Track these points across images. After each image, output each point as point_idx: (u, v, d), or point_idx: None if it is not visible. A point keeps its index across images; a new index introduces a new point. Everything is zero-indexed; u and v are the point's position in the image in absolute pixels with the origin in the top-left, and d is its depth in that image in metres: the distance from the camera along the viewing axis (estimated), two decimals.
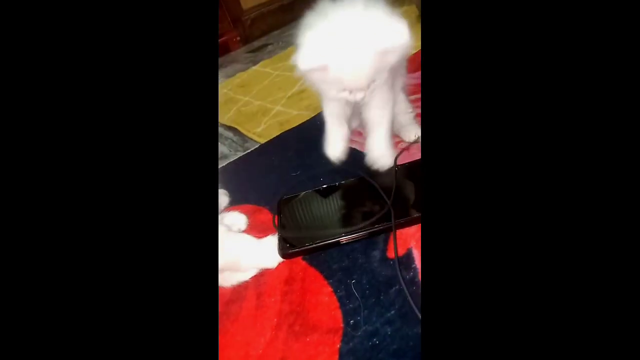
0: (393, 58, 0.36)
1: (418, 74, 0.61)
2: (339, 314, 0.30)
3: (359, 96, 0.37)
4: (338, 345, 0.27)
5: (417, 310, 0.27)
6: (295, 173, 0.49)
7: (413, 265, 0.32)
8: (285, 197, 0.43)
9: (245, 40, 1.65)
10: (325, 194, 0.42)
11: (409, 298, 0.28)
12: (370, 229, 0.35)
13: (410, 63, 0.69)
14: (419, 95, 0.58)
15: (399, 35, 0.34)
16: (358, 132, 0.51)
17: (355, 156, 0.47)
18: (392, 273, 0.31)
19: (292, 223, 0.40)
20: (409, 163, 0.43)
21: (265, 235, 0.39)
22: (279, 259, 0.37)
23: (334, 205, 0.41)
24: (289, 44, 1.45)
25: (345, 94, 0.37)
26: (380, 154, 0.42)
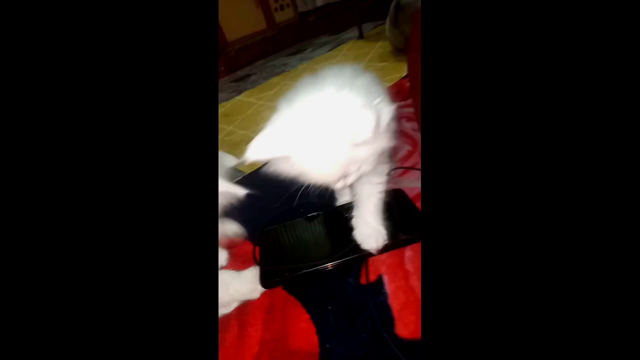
0: (367, 150, 0.32)
1: (408, 101, 0.67)
2: (315, 339, 0.32)
3: (338, 185, 0.34)
4: None
5: (384, 334, 0.30)
6: (277, 204, 0.52)
7: (383, 290, 0.35)
8: (265, 228, 0.46)
9: (229, 70, 1.71)
10: (304, 225, 0.46)
11: (378, 322, 0.32)
12: (345, 258, 0.39)
13: (396, 91, 0.75)
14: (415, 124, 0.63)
15: (371, 126, 0.29)
16: None
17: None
18: (365, 298, 0.35)
19: (272, 254, 0.42)
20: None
21: (247, 267, 0.41)
22: (261, 289, 0.39)
23: (312, 235, 0.44)
24: (272, 74, 1.53)
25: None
26: (368, 234, 0.39)
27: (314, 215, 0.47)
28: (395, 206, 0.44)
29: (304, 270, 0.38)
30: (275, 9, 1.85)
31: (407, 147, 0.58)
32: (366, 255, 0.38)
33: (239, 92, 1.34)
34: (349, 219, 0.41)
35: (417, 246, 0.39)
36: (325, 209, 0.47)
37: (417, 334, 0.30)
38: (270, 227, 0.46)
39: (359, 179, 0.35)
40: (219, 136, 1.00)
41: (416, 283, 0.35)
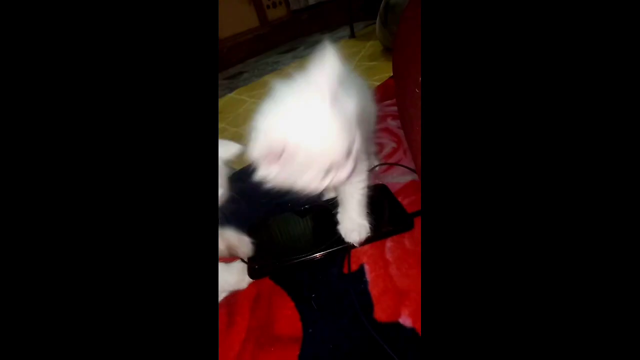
0: (361, 123, 0.33)
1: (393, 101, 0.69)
2: (299, 325, 0.34)
3: (343, 174, 0.33)
4: (297, 352, 0.32)
5: (362, 317, 0.32)
6: (265, 200, 0.54)
7: (364, 279, 0.37)
8: (254, 223, 0.48)
9: (221, 67, 1.72)
10: (291, 218, 0.48)
11: (357, 307, 0.34)
12: (329, 249, 0.41)
13: (382, 91, 0.77)
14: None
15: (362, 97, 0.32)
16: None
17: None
18: (346, 286, 0.37)
19: (260, 246, 0.44)
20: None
21: (236, 259, 0.43)
22: (249, 280, 0.41)
23: (299, 228, 0.46)
24: (264, 72, 1.54)
25: (326, 176, 0.33)
26: (351, 229, 0.40)
27: (301, 209, 0.49)
28: (378, 200, 0.46)
29: (289, 262, 0.40)
30: (268, 6, 1.86)
31: (392, 144, 0.60)
32: (349, 247, 0.40)
33: (231, 90, 1.35)
34: (334, 213, 0.43)
35: (397, 237, 0.41)
36: (312, 203, 0.49)
37: (394, 318, 0.32)
38: (259, 221, 0.48)
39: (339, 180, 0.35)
40: None
41: (395, 272, 0.37)
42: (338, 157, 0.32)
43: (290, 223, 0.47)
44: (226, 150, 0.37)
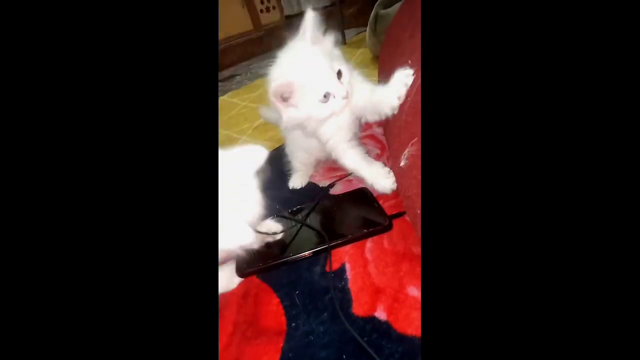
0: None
1: None
2: (283, 320, 0.37)
3: (340, 95, 0.43)
4: (281, 345, 0.34)
5: (339, 311, 0.35)
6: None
7: (345, 276, 0.40)
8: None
9: None
10: (277, 220, 0.50)
11: (336, 303, 0.36)
12: (312, 249, 0.43)
13: None
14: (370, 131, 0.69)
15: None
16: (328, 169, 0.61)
17: (312, 188, 0.56)
18: (328, 283, 0.39)
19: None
20: (345, 193, 0.52)
21: (226, 262, 0.45)
22: (239, 280, 0.43)
23: (287, 229, 0.48)
24: (256, 76, 1.55)
25: (327, 100, 0.43)
26: (380, 178, 0.46)
27: (293, 210, 0.51)
28: (359, 203, 0.49)
29: (275, 262, 0.43)
30: (261, 11, 1.88)
31: (376, 151, 0.63)
32: (329, 247, 0.43)
33: (223, 93, 1.36)
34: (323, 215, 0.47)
35: (377, 238, 0.44)
36: (303, 205, 0.51)
37: (370, 312, 0.35)
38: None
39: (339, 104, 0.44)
40: None
41: (373, 270, 0.40)
42: (329, 81, 0.43)
43: (278, 224, 0.49)
44: (256, 158, 0.36)
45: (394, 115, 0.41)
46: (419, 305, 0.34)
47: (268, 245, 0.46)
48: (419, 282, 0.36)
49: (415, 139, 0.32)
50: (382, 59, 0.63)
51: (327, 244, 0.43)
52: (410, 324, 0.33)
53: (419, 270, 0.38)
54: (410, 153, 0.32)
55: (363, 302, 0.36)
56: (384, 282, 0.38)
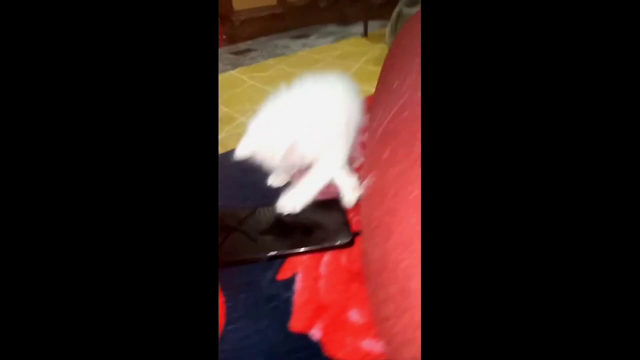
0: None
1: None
2: (223, 321, 0.37)
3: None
4: None
5: (280, 323, 0.35)
6: (230, 192, 0.56)
7: (293, 288, 0.39)
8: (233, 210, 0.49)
9: (230, 40, 1.68)
10: (248, 216, 0.49)
11: (278, 313, 0.36)
12: (268, 253, 0.43)
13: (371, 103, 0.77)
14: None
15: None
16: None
17: None
18: (275, 292, 0.39)
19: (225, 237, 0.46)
20: (317, 200, 0.51)
21: None
22: None
23: (250, 227, 0.48)
24: (271, 54, 1.51)
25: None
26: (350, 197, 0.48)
27: (258, 209, 0.50)
28: (326, 213, 0.48)
29: (232, 259, 0.43)
30: None
31: (361, 159, 0.61)
32: (287, 254, 0.42)
33: (234, 67, 1.33)
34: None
35: (336, 253, 0.43)
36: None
37: (307, 329, 0.35)
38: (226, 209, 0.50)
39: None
40: None
41: (323, 286, 0.39)
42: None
43: (246, 220, 0.49)
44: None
45: (369, 137, 0.39)
46: (355, 331, 0.34)
47: (231, 240, 0.46)
48: (363, 307, 0.36)
49: (373, 172, 0.31)
50: (381, 75, 0.60)
51: (281, 252, 0.42)
52: (341, 348, 0.33)
53: (365, 294, 0.37)
54: (367, 184, 0.31)
55: (303, 318, 0.36)
56: (330, 300, 0.37)
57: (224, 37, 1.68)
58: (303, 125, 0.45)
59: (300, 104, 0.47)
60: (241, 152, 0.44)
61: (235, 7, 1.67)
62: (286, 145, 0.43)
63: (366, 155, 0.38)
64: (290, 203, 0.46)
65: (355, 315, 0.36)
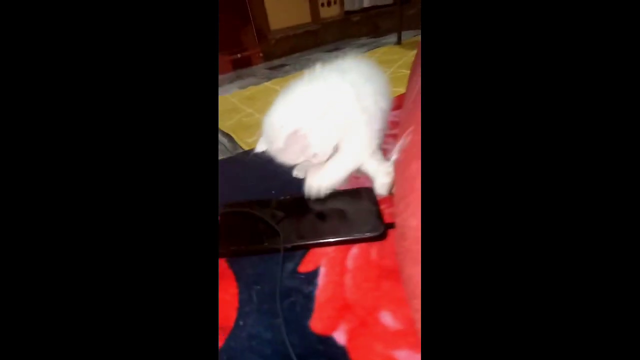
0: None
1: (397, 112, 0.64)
2: (234, 314, 0.32)
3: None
4: (221, 344, 0.29)
5: (298, 321, 0.29)
6: (250, 183, 0.52)
7: (315, 281, 0.33)
8: (231, 202, 0.46)
9: (267, 58, 1.74)
10: (265, 205, 0.45)
11: (297, 309, 0.30)
12: (288, 244, 0.37)
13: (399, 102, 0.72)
14: (395, 131, 0.61)
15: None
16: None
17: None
18: (295, 285, 0.33)
19: (231, 228, 0.42)
20: (346, 189, 0.45)
21: None
22: None
23: (271, 215, 0.43)
24: (305, 67, 1.53)
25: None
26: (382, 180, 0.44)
27: (279, 199, 0.46)
28: (357, 202, 0.42)
29: (248, 248, 0.38)
30: (322, 4, 1.85)
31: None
32: (309, 245, 0.37)
33: (269, 79, 1.35)
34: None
35: (365, 246, 0.37)
36: (295, 195, 0.46)
37: (329, 331, 0.28)
38: (235, 202, 0.46)
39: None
40: (238, 117, 1.02)
41: (349, 281, 0.33)
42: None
43: (264, 210, 0.44)
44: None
45: (405, 100, 0.33)
46: (387, 338, 0.27)
47: (249, 228, 0.41)
48: (396, 309, 0.29)
49: (412, 127, 0.24)
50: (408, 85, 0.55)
51: (303, 242, 0.37)
52: (370, 357, 0.26)
53: (401, 294, 0.30)
54: (402, 146, 0.25)
55: (325, 317, 0.30)
56: (356, 299, 0.31)
57: (261, 55, 1.74)
58: (311, 112, 0.42)
59: (310, 93, 0.44)
60: (259, 146, 0.45)
61: (271, 26, 1.74)
62: (288, 131, 0.40)
63: (402, 118, 0.32)
64: (315, 186, 0.42)
65: (386, 318, 0.28)
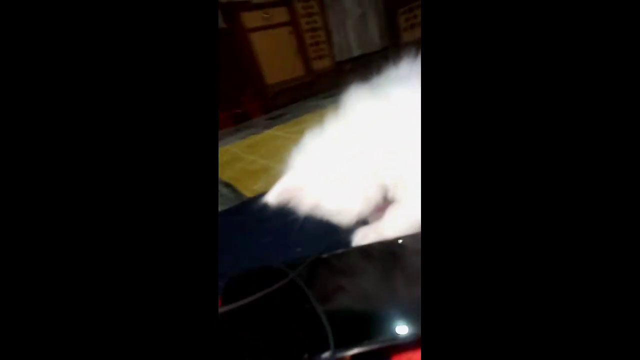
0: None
1: None
2: None
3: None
4: None
5: None
6: (267, 240, 0.38)
7: None
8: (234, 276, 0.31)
9: (266, 111, 1.72)
10: (278, 277, 0.28)
11: None
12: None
13: None
14: None
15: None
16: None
17: None
18: None
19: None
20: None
21: None
22: None
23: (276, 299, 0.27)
24: (303, 112, 1.49)
25: None
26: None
27: (295, 264, 0.30)
28: None
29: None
30: (314, 58, 1.89)
31: None
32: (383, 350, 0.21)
33: (270, 128, 1.29)
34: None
35: None
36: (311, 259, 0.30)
37: None
38: (239, 274, 0.31)
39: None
40: (240, 165, 0.92)
41: None
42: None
43: (273, 285, 0.28)
44: None
45: None
46: None
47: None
48: None
49: None
50: None
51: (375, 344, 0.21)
52: None
53: None
54: None
55: None
56: None
57: (260, 109, 1.73)
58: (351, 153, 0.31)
59: (347, 129, 0.33)
60: (271, 197, 0.33)
61: (267, 81, 1.75)
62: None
63: None
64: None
65: None
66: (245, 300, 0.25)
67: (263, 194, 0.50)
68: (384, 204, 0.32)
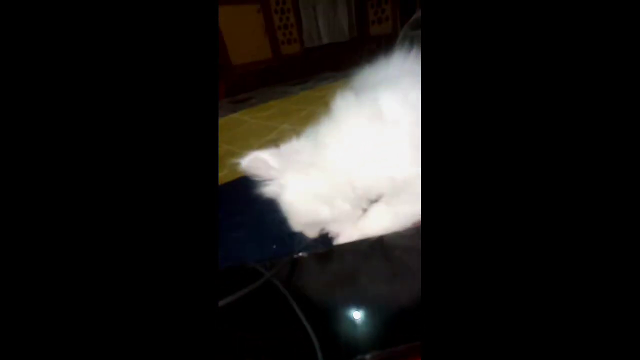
0: None
1: None
2: None
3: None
4: None
5: None
6: (237, 234, 0.35)
7: None
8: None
9: (230, 93, 1.61)
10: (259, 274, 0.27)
11: None
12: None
13: None
14: None
15: None
16: None
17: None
18: None
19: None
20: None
21: None
22: None
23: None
24: (270, 98, 1.42)
25: None
26: None
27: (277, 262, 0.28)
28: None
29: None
30: (282, 42, 1.81)
31: None
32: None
33: (234, 111, 1.21)
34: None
35: None
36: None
37: None
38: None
39: None
40: None
41: None
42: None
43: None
44: None
45: None
46: None
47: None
48: None
49: None
50: None
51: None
52: None
53: None
54: None
55: None
56: None
57: (222, 89, 1.61)
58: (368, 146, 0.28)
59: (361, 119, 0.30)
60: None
61: (233, 61, 1.63)
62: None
63: None
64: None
65: None
66: (222, 302, 0.22)
67: (228, 183, 0.46)
68: (367, 202, 0.31)
